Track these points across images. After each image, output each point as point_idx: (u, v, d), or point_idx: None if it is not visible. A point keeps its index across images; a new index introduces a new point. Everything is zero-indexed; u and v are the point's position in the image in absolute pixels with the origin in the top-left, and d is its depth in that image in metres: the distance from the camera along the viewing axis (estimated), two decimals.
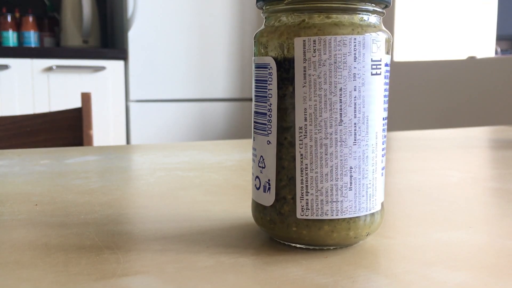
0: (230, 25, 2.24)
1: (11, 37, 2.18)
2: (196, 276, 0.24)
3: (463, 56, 2.00)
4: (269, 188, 0.28)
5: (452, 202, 0.40)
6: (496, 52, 2.31)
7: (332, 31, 0.26)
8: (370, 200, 0.28)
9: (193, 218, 0.34)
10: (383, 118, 0.28)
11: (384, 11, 0.28)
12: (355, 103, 0.26)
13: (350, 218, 0.27)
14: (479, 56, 1.97)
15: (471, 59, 1.92)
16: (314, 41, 0.26)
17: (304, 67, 0.26)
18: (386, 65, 0.27)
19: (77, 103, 1.73)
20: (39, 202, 0.39)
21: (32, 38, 2.21)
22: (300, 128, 0.27)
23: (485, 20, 2.15)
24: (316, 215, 0.27)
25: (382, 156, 0.28)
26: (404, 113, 2.06)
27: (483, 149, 0.74)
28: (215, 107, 2.25)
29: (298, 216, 0.27)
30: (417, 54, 2.15)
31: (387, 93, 0.28)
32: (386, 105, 0.28)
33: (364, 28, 0.26)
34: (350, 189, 0.27)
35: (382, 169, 0.28)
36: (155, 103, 2.15)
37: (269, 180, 0.28)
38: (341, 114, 0.26)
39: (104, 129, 2.06)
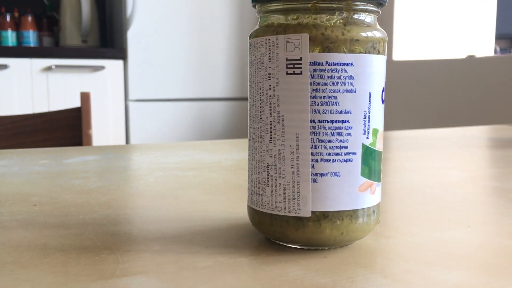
0: (229, 24, 2.24)
1: (10, 37, 2.18)
2: (195, 276, 0.24)
3: (462, 55, 2.00)
4: None
5: (451, 202, 0.40)
6: (495, 51, 2.31)
7: (259, 33, 0.28)
8: (289, 202, 0.27)
9: (192, 218, 0.34)
10: (315, 121, 0.26)
11: (343, 5, 0.26)
12: (270, 102, 0.27)
13: (272, 215, 0.28)
14: (478, 55, 1.97)
15: (470, 58, 1.92)
16: (251, 43, 0.28)
17: (250, 67, 0.29)
18: (316, 63, 0.26)
19: (76, 103, 1.73)
20: (38, 202, 0.39)
21: (31, 37, 2.20)
22: (248, 122, 0.29)
23: (484, 19, 2.15)
24: (250, 203, 0.30)
25: (315, 161, 0.26)
26: (403, 112, 2.06)
27: (482, 148, 0.74)
28: (214, 106, 2.25)
29: (247, 201, 0.30)
30: (416, 53, 2.15)
31: (325, 93, 0.26)
32: (327, 107, 0.26)
33: (291, 28, 0.26)
34: (268, 185, 0.28)
35: (316, 174, 0.27)
36: (154, 103, 2.15)
37: None
38: (261, 112, 0.28)
39: (104, 128, 2.06)
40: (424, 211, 0.37)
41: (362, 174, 0.27)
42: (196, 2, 2.17)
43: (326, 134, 0.26)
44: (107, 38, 2.46)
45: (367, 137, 0.27)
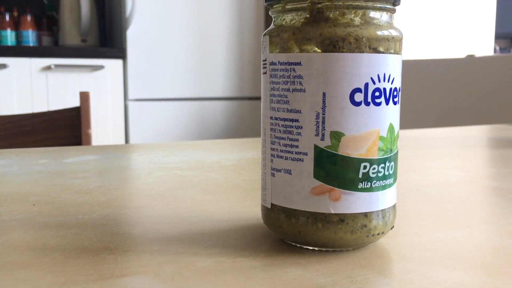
0: (229, 23, 2.24)
1: (9, 36, 2.18)
2: (194, 276, 0.24)
3: (462, 55, 2.00)
4: None
5: (451, 201, 0.40)
6: (495, 51, 2.31)
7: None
8: (262, 192, 0.30)
9: (191, 218, 0.34)
10: (272, 117, 0.28)
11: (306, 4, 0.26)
12: (261, 99, 0.30)
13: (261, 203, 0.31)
14: (478, 54, 1.97)
15: (470, 57, 1.92)
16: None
17: None
18: (273, 63, 0.28)
19: (75, 102, 1.73)
20: (37, 202, 0.39)
21: (30, 37, 2.20)
22: None
23: (484, 18, 2.15)
24: None
25: (273, 156, 0.28)
26: (402, 111, 2.05)
27: (482, 148, 0.74)
28: (214, 106, 2.25)
29: None
30: (416, 53, 2.15)
31: (278, 92, 0.27)
32: (280, 105, 0.27)
33: (268, 30, 0.28)
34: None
35: (274, 169, 0.28)
36: (154, 102, 2.15)
37: None
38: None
39: (103, 128, 2.05)
40: (424, 211, 0.37)
41: (316, 176, 0.26)
42: (196, 2, 2.17)
43: (280, 131, 0.28)
44: (107, 37, 2.46)
45: (322, 139, 0.26)
